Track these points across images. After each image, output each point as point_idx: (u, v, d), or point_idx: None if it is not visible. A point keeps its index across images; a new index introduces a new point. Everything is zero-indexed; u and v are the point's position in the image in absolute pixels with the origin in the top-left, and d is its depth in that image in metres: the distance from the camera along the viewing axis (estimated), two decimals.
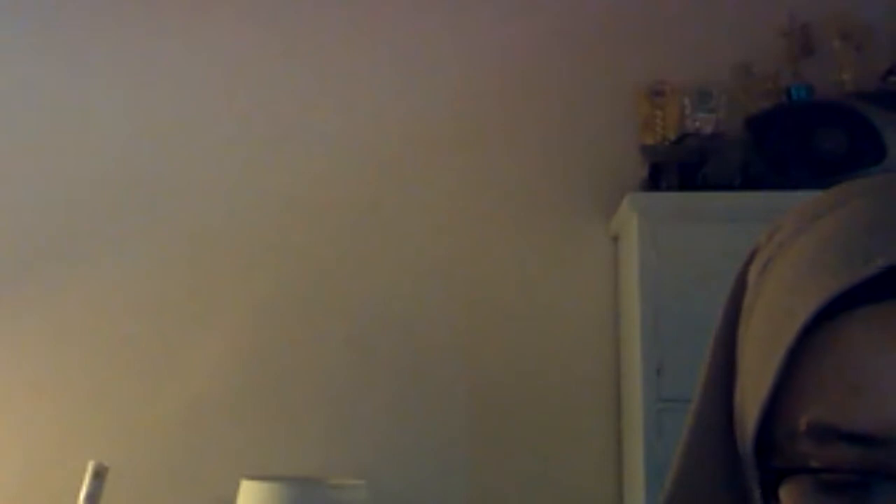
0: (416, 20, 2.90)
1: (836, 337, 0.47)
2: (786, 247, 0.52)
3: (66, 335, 2.80)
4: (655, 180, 2.56)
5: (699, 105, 2.62)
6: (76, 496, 2.36)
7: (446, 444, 2.73)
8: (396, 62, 2.89)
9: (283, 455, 2.72)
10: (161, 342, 2.79)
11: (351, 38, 2.90)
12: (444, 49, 2.89)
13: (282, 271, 2.81)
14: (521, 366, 2.74)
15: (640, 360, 2.37)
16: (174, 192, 2.86)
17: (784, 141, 2.51)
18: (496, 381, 2.75)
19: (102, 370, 2.78)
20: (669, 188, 2.52)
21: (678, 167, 2.53)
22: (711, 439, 0.56)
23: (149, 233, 2.84)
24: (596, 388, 2.72)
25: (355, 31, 2.90)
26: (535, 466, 2.70)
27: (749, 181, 2.48)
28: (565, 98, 2.84)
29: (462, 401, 2.75)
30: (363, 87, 2.88)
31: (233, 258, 2.82)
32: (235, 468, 2.59)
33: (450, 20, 2.90)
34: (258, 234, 2.83)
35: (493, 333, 2.76)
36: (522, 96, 2.84)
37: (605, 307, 2.74)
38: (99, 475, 2.35)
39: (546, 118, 2.83)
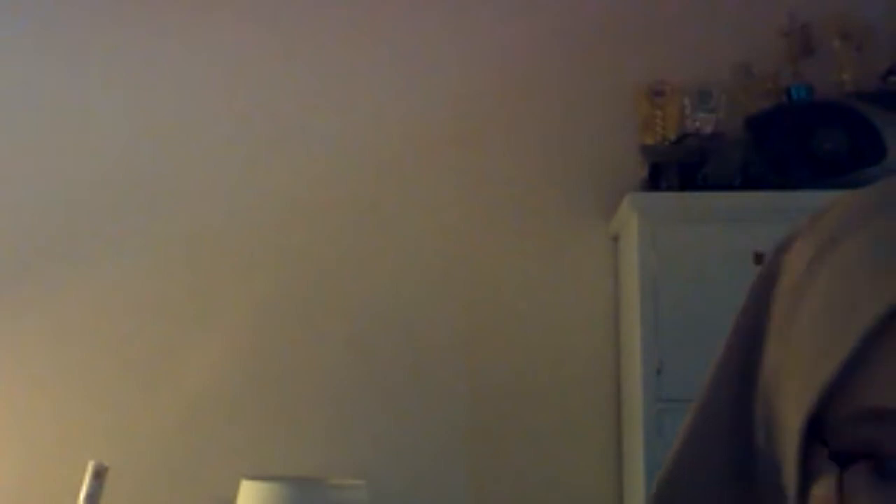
0: (416, 20, 2.90)
1: None
2: (849, 233, 0.52)
3: (66, 335, 2.80)
4: (655, 180, 2.56)
5: (699, 105, 2.62)
6: (76, 496, 2.36)
7: (446, 444, 2.73)
8: (396, 62, 2.89)
9: (283, 455, 2.72)
10: (161, 342, 2.79)
11: (351, 38, 2.90)
12: (444, 49, 2.89)
13: (282, 271, 2.81)
14: (521, 366, 2.74)
15: (640, 360, 2.37)
16: (174, 193, 2.85)
17: (784, 141, 2.51)
18: (496, 381, 2.75)
19: (102, 370, 2.78)
20: (669, 188, 2.52)
21: (678, 167, 2.53)
22: (721, 427, 0.56)
23: (149, 233, 2.84)
24: (596, 388, 2.72)
25: (355, 31, 2.90)
26: (535, 466, 2.70)
27: (749, 181, 2.48)
28: (565, 98, 2.83)
29: (462, 401, 2.75)
30: (363, 87, 2.88)
31: (233, 258, 2.82)
32: (235, 468, 2.59)
33: (450, 20, 2.90)
34: (258, 235, 2.83)
35: (493, 333, 2.76)
36: (522, 96, 2.84)
37: (605, 307, 2.74)
38: (99, 475, 2.35)
39: (546, 118, 2.83)
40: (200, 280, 2.81)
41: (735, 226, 2.37)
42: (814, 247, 0.53)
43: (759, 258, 2.29)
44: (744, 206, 2.40)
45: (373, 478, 2.59)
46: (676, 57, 2.78)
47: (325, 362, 2.77)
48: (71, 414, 2.76)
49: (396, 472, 2.70)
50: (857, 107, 2.51)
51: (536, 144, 2.83)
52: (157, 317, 2.80)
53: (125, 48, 2.91)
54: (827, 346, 0.49)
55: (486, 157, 2.83)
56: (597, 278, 2.76)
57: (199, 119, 2.88)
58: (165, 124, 2.89)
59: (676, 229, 2.42)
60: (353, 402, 2.75)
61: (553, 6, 2.89)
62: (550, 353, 2.74)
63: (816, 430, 0.50)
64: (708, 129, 2.59)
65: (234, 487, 2.43)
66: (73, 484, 2.43)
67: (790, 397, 0.51)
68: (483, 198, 2.81)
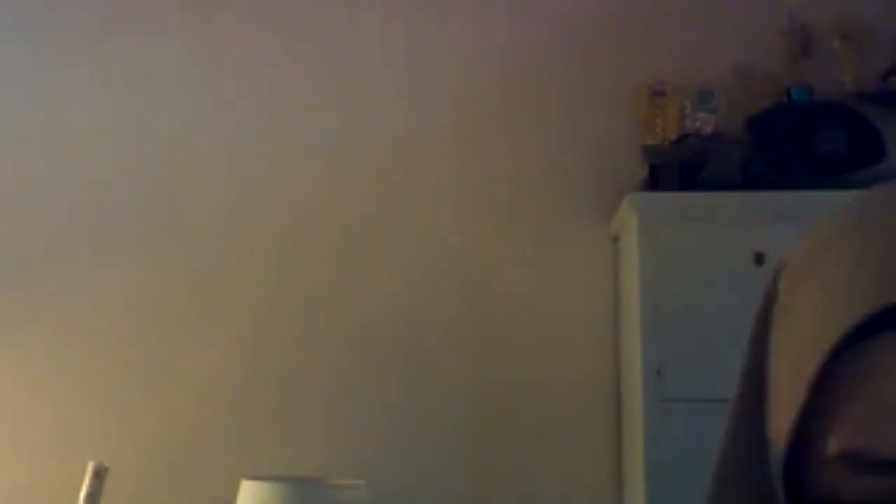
0: (416, 20, 2.90)
1: (869, 360, 0.45)
2: (816, 262, 0.49)
3: (66, 335, 2.80)
4: (655, 180, 2.56)
5: (699, 105, 2.62)
6: (76, 496, 2.36)
7: (446, 443, 2.73)
8: (396, 62, 2.89)
9: (283, 455, 2.72)
10: (161, 342, 2.79)
11: (351, 38, 2.90)
12: (444, 49, 2.89)
13: (282, 271, 2.81)
14: (521, 366, 2.74)
15: (640, 360, 2.37)
16: (174, 193, 2.85)
17: (784, 141, 2.51)
18: (496, 382, 2.75)
19: (102, 370, 2.78)
20: (669, 188, 2.52)
21: (678, 167, 2.53)
22: (742, 465, 0.53)
23: (149, 233, 2.84)
24: (596, 388, 2.72)
25: (355, 31, 2.90)
26: (535, 466, 2.70)
27: (749, 181, 2.48)
28: (565, 98, 2.84)
29: (462, 401, 2.75)
30: (363, 87, 2.88)
31: (233, 259, 2.82)
32: (235, 468, 2.59)
33: (450, 20, 2.90)
34: (258, 235, 2.83)
35: (493, 334, 2.76)
36: (522, 96, 2.84)
37: (605, 307, 2.74)
38: (99, 475, 2.35)
39: (546, 118, 2.83)
40: (200, 280, 2.81)
41: (735, 226, 2.37)
42: (797, 266, 0.51)
43: (759, 258, 2.29)
44: (744, 206, 2.40)
45: (373, 478, 2.59)
46: (676, 57, 2.78)
47: (325, 362, 2.77)
48: (71, 414, 2.76)
49: (396, 472, 2.70)
50: (857, 107, 2.51)
51: (536, 144, 2.83)
52: (157, 317, 2.80)
53: (125, 49, 2.91)
54: (794, 385, 0.47)
55: (486, 157, 2.83)
56: (597, 278, 2.76)
57: (198, 120, 2.89)
58: (166, 125, 2.88)
59: (676, 229, 2.42)
60: (353, 402, 2.75)
61: (553, 6, 2.89)
62: (551, 353, 2.74)
63: (797, 477, 0.47)
64: (708, 129, 2.59)
65: (234, 487, 2.43)
66: (73, 484, 2.43)
67: (779, 441, 0.48)
68: (483, 198, 2.81)
